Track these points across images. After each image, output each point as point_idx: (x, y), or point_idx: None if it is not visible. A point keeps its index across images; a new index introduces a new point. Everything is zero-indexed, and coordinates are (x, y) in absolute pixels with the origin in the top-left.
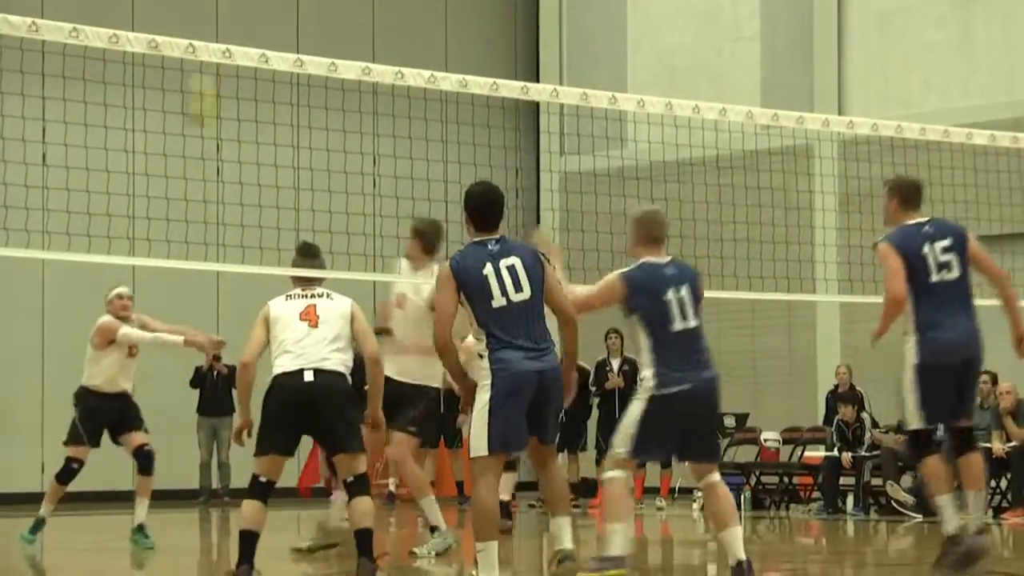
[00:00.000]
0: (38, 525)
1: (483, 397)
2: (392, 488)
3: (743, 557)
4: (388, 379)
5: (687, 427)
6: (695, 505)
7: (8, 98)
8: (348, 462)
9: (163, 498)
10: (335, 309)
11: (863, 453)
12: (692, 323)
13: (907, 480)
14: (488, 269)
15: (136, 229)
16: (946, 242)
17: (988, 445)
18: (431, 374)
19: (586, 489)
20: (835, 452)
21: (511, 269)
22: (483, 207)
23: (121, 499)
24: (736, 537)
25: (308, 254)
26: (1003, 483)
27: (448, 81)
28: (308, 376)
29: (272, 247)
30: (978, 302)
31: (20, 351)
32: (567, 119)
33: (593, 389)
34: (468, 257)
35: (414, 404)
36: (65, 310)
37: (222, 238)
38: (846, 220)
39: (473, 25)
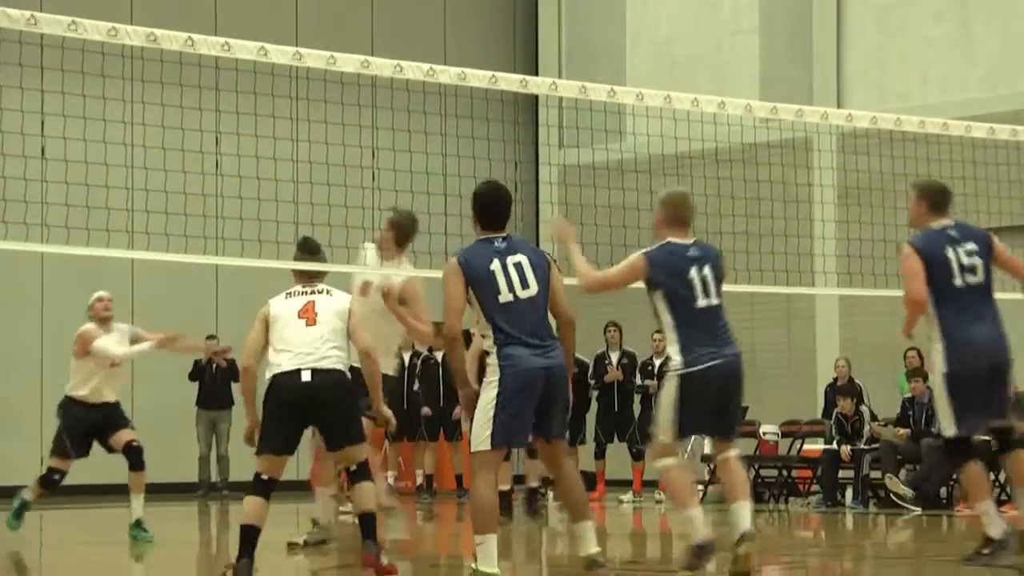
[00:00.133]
0: (21, 509)
1: (490, 392)
2: (391, 481)
3: (748, 528)
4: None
5: (718, 403)
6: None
7: (7, 91)
8: (350, 452)
9: (162, 491)
10: (333, 305)
11: (862, 446)
12: (715, 301)
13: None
14: (495, 265)
15: (135, 222)
16: (971, 246)
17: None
18: (386, 363)
19: (585, 482)
20: (834, 445)
21: (518, 266)
22: (489, 206)
23: (120, 492)
24: (745, 509)
25: (308, 250)
26: (1002, 476)
27: (447, 74)
28: (306, 376)
29: (271, 240)
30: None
31: (19, 344)
32: (566, 112)
33: (592, 382)
34: (475, 253)
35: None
36: (64, 304)
37: (221, 231)
38: (845, 213)
39: (472, 18)
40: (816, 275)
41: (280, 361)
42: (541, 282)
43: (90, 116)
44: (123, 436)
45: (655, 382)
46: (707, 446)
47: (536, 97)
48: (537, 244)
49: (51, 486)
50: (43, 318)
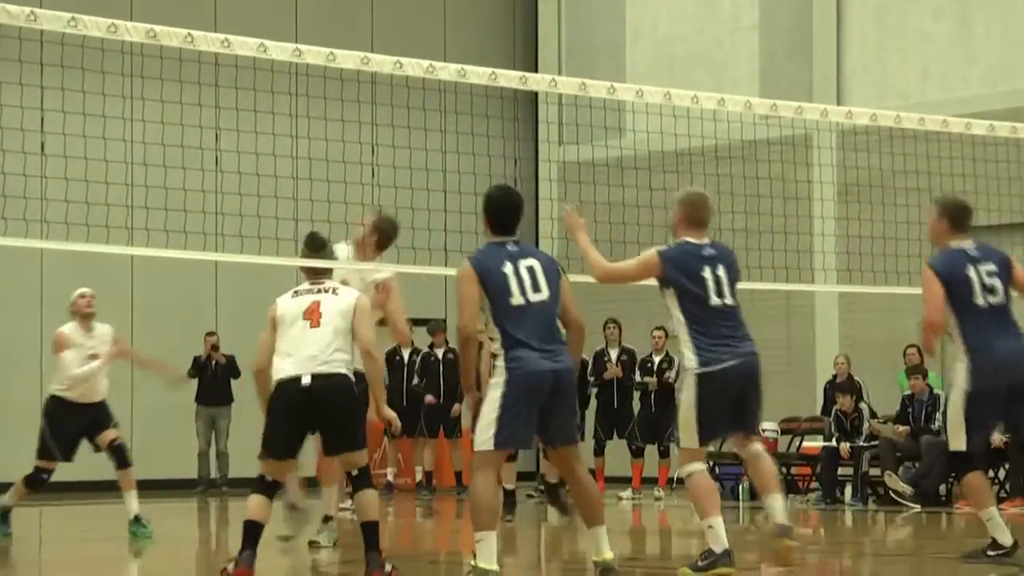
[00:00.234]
0: (5, 515)
1: (496, 393)
2: (390, 478)
3: (785, 521)
4: None
5: (738, 401)
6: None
7: (6, 87)
8: (350, 457)
9: (161, 488)
10: (337, 305)
11: (861, 443)
12: (729, 301)
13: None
14: (508, 268)
15: (134, 218)
16: (991, 266)
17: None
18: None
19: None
20: (833, 442)
21: (530, 270)
22: (501, 210)
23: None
24: (778, 502)
25: (314, 247)
26: (1000, 474)
27: (447, 71)
28: (305, 381)
29: (270, 237)
30: None
31: (19, 341)
32: (566, 109)
33: (591, 379)
34: (488, 256)
35: None
36: (64, 300)
37: (220, 228)
38: (845, 210)
39: (472, 14)
40: (816, 272)
41: (283, 366)
42: (552, 286)
43: (90, 112)
44: (107, 435)
45: (654, 379)
46: None
47: (536, 94)
48: (536, 241)
49: (37, 486)
50: (42, 315)
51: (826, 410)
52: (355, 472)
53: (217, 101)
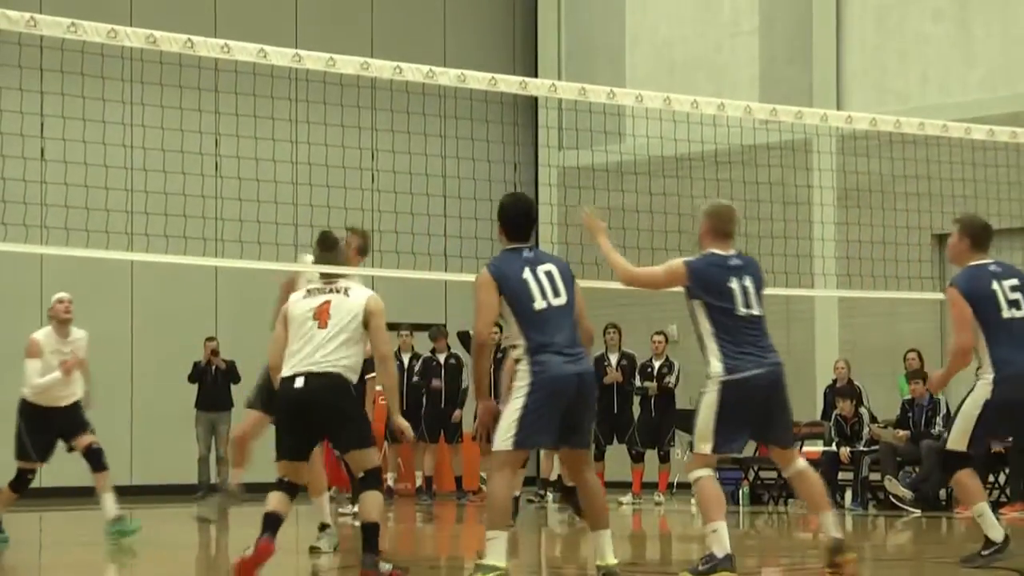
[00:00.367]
0: None
1: (519, 395)
2: (390, 483)
3: (839, 535)
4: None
5: (762, 412)
6: (693, 500)
7: (6, 93)
8: (358, 458)
9: (161, 493)
10: (347, 306)
11: (861, 448)
12: (756, 311)
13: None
14: (527, 273)
15: (134, 224)
16: (1014, 281)
17: None
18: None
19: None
20: (833, 447)
21: (548, 275)
22: (514, 218)
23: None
24: (831, 519)
25: (326, 246)
26: (1000, 478)
27: (446, 76)
28: (299, 382)
29: (270, 242)
30: None
31: (19, 346)
32: (565, 114)
33: None
34: (505, 263)
35: None
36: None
37: (220, 233)
38: (844, 215)
39: (471, 20)
40: (815, 277)
41: (285, 367)
42: (569, 291)
43: (89, 118)
44: (83, 440)
45: (654, 384)
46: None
47: (535, 99)
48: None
49: (23, 488)
50: (42, 320)
51: (826, 415)
52: (361, 474)
53: (217, 106)
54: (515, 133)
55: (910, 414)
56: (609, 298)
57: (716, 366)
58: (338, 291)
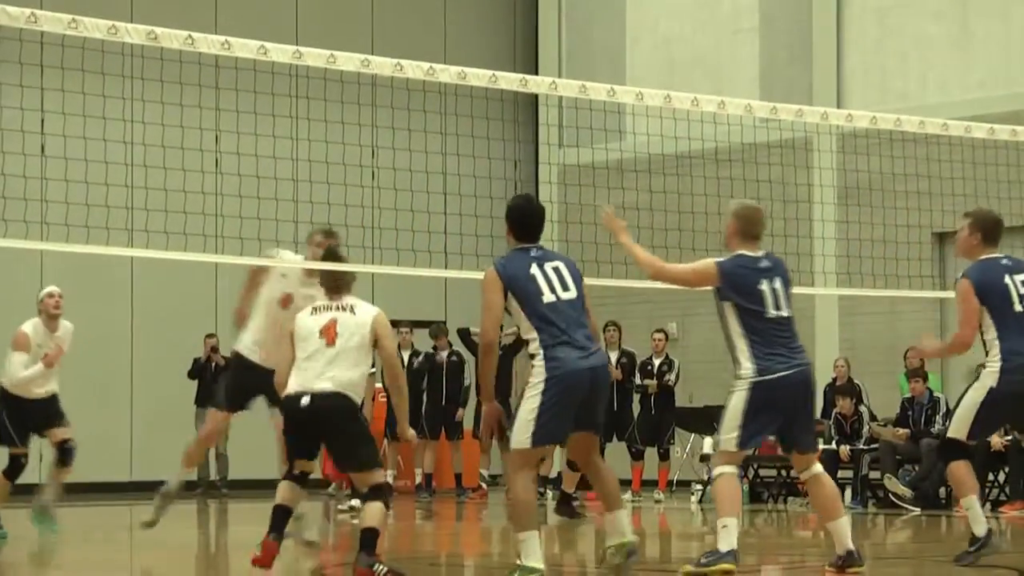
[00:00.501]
0: None
1: (535, 393)
2: (390, 480)
3: (852, 546)
4: (257, 365)
5: (790, 413)
6: (693, 498)
7: (6, 89)
8: (360, 478)
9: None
10: (354, 323)
11: (861, 446)
12: (785, 312)
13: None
14: (534, 269)
15: (135, 220)
16: None
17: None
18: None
19: (583, 481)
20: (833, 445)
21: (556, 270)
22: (522, 218)
23: (120, 490)
24: (844, 527)
25: (335, 260)
26: (1000, 477)
27: (447, 73)
28: (304, 401)
29: (271, 239)
30: None
31: None
32: (565, 111)
33: None
34: (512, 261)
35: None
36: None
37: (220, 230)
38: (845, 213)
39: (472, 17)
40: (816, 275)
41: (291, 382)
42: (578, 287)
43: (90, 114)
44: (58, 433)
45: (654, 382)
46: (707, 446)
47: (536, 96)
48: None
49: (17, 474)
50: None
51: (826, 413)
52: (364, 490)
53: (217, 103)
54: (515, 130)
55: (910, 412)
56: (609, 296)
57: (747, 366)
58: (343, 308)
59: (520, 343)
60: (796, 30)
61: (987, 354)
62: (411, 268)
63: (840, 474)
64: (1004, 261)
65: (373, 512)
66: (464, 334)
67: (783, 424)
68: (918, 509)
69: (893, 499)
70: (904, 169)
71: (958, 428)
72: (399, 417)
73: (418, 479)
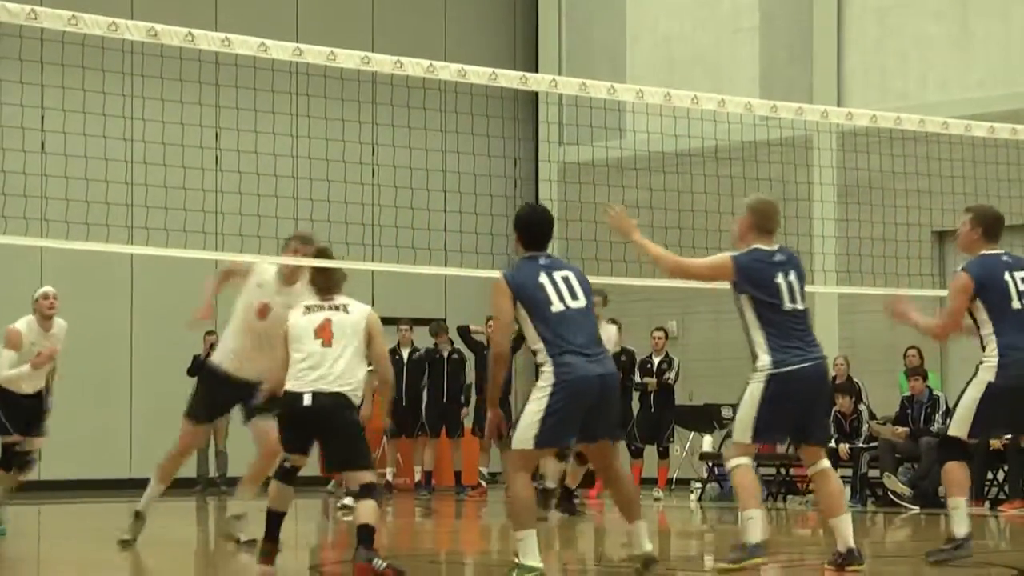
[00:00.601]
0: None
1: (542, 396)
2: (389, 478)
3: (852, 544)
4: (230, 376)
5: (805, 406)
6: (692, 496)
7: (6, 86)
8: (352, 477)
9: None
10: (349, 323)
11: (860, 445)
12: (800, 306)
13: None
14: (543, 278)
15: (134, 217)
16: None
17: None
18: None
19: (584, 480)
20: (832, 444)
21: (565, 279)
22: (530, 227)
23: (118, 487)
24: (847, 524)
25: (326, 257)
26: (1000, 475)
27: (447, 71)
28: (306, 400)
29: (270, 236)
30: None
31: None
32: (566, 109)
33: None
34: (521, 270)
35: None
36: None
37: (220, 227)
38: (845, 211)
39: (472, 14)
40: (815, 273)
41: (290, 379)
42: (587, 295)
43: (90, 111)
44: (35, 443)
45: (654, 380)
46: (706, 444)
47: (536, 94)
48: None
49: (13, 461)
50: None
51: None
52: (356, 488)
53: (217, 100)
54: (515, 128)
55: (909, 411)
56: (609, 293)
57: (764, 359)
58: (336, 308)
59: (520, 342)
60: (796, 29)
61: (984, 350)
62: (411, 265)
63: (839, 472)
64: (1004, 258)
65: (367, 509)
66: (464, 332)
67: (798, 416)
68: (917, 507)
69: (892, 497)
70: (904, 168)
71: (959, 426)
72: (381, 401)
73: (417, 476)
